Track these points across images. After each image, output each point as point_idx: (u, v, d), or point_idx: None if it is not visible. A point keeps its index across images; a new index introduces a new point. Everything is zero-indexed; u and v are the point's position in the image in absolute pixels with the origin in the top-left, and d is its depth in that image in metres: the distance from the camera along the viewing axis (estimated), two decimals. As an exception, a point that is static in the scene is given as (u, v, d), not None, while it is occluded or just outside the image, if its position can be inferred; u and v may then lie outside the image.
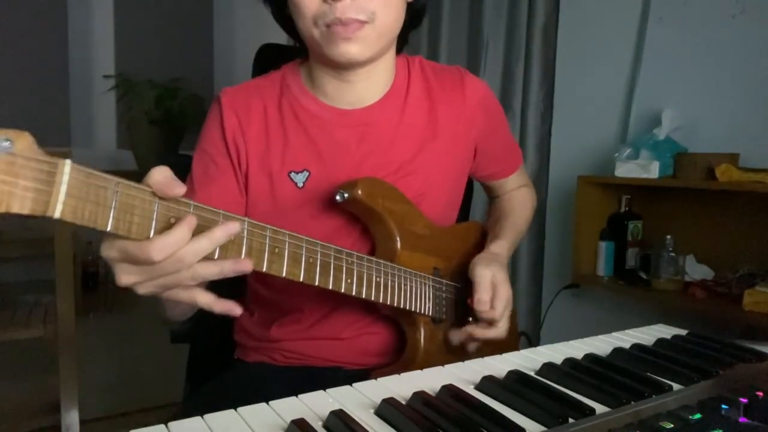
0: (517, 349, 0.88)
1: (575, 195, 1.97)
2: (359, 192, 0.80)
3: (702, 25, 1.83)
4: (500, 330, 0.87)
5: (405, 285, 0.82)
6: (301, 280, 0.68)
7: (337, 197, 0.81)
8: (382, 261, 0.80)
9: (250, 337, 0.97)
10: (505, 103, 2.34)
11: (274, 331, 0.93)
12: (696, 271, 1.76)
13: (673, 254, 1.72)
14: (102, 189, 0.50)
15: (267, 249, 0.63)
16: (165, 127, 3.52)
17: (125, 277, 0.55)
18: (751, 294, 1.51)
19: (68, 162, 0.47)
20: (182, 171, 0.91)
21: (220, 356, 1.04)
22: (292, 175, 0.86)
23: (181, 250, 0.54)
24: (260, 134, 0.87)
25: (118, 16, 3.84)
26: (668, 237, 1.72)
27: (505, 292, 0.87)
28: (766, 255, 1.66)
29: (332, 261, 0.72)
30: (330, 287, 0.72)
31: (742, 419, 0.50)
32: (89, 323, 3.03)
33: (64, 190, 0.47)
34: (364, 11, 0.76)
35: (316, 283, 0.70)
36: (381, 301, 0.79)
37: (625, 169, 1.82)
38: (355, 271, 0.75)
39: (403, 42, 0.92)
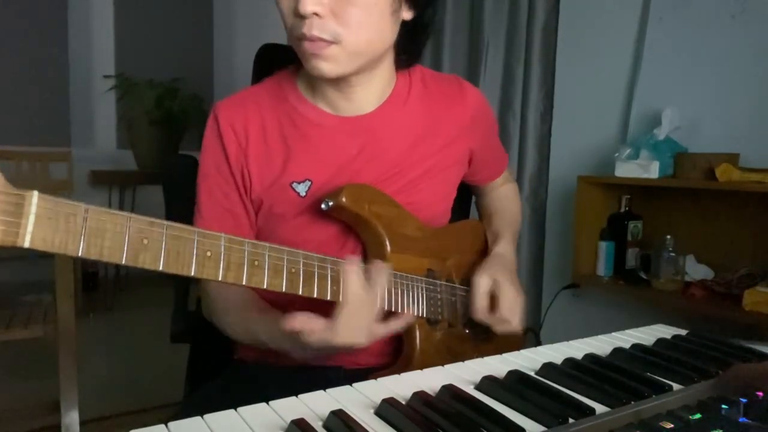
0: (520, 345, 0.87)
1: (575, 195, 1.97)
2: (343, 199, 0.79)
3: (702, 25, 1.83)
4: (512, 325, 0.90)
5: (394, 289, 0.81)
6: (284, 290, 0.67)
7: (322, 206, 0.80)
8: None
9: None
10: (505, 103, 2.35)
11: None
12: (696, 271, 1.76)
13: (673, 254, 1.72)
14: (71, 216, 0.51)
15: (246, 262, 0.63)
16: (165, 127, 3.52)
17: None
18: (751, 294, 1.51)
19: (35, 193, 0.49)
20: (182, 171, 0.92)
21: (220, 356, 1.04)
22: (295, 185, 0.86)
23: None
24: (260, 147, 0.87)
25: (118, 16, 3.84)
26: (668, 237, 1.72)
27: (508, 293, 0.88)
28: (766, 255, 1.66)
29: (316, 270, 0.71)
30: (315, 296, 0.71)
31: (742, 419, 0.50)
32: (89, 323, 3.03)
33: (32, 221, 0.48)
34: (328, 32, 0.74)
35: (300, 293, 0.69)
36: None
37: (625, 169, 1.83)
38: (340, 279, 0.74)
39: (410, 58, 0.90)
